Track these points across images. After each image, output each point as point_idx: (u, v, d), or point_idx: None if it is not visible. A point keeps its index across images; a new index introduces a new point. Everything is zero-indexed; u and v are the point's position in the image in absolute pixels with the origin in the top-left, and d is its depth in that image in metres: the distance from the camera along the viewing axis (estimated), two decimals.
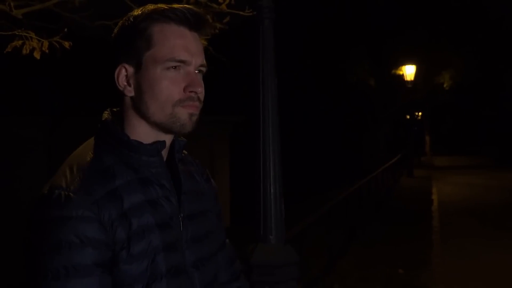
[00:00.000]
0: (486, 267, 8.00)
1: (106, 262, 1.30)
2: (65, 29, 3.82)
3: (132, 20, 1.44)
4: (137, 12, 1.45)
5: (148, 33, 1.42)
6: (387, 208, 14.55)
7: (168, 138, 1.48)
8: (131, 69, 1.44)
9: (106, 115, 1.49)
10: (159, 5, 1.44)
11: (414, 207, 14.58)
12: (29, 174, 6.97)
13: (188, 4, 3.73)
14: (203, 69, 1.48)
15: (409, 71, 21.83)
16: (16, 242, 6.31)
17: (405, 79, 21.98)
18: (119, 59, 1.45)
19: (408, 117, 30.69)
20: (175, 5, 1.45)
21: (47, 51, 3.74)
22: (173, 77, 1.41)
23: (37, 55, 3.70)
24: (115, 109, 1.53)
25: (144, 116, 1.44)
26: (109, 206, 1.32)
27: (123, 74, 1.45)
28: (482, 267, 7.99)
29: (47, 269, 1.24)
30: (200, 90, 1.44)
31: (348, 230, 9.98)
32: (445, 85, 26.96)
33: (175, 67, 1.41)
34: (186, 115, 1.42)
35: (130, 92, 1.45)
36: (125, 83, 1.45)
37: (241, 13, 3.79)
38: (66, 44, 3.79)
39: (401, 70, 23.03)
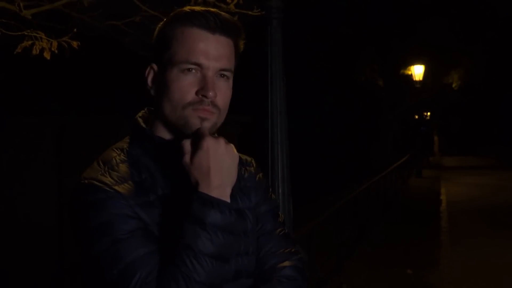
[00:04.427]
0: (495, 267, 7.96)
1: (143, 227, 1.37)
2: (74, 29, 3.84)
3: (161, 22, 1.50)
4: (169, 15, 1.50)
5: (170, 35, 1.45)
6: (395, 208, 14.51)
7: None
8: (157, 70, 1.48)
9: (141, 113, 1.54)
10: (185, 9, 1.47)
11: (422, 207, 14.54)
12: (37, 175, 6.99)
13: (196, 4, 3.75)
14: (227, 73, 1.47)
15: (417, 71, 21.74)
16: (23, 240, 6.30)
17: (414, 79, 21.88)
18: (150, 60, 1.50)
19: (416, 117, 30.56)
20: (197, 8, 1.47)
21: (56, 51, 3.75)
22: (188, 79, 1.42)
23: (47, 55, 3.72)
24: (152, 108, 1.56)
25: (161, 116, 1.47)
26: (137, 195, 1.38)
27: (151, 75, 1.49)
28: (491, 268, 7.96)
29: (91, 250, 1.33)
30: (212, 95, 1.42)
31: (357, 230, 9.96)
32: (453, 85, 26.80)
33: (190, 69, 1.42)
34: (196, 118, 1.42)
35: (154, 91, 1.49)
36: (152, 83, 1.49)
37: (249, 13, 3.79)
38: (74, 44, 3.80)
39: (409, 70, 22.94)
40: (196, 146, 1.37)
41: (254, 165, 1.68)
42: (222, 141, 1.39)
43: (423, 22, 23.53)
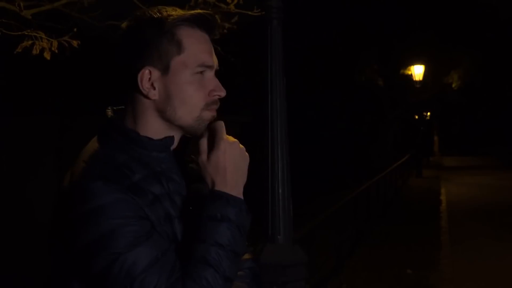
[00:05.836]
0: (495, 268, 7.96)
1: (151, 229, 1.35)
2: (74, 29, 3.83)
3: (158, 23, 1.42)
4: (157, 15, 1.43)
5: (177, 38, 1.43)
6: (395, 208, 14.51)
7: (177, 135, 1.49)
8: (156, 73, 1.43)
9: (110, 112, 1.50)
10: (185, 11, 1.46)
11: (422, 207, 14.53)
12: (37, 175, 6.99)
13: (196, 4, 3.74)
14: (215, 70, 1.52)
15: (417, 71, 21.76)
16: (22, 240, 6.30)
17: (414, 79, 21.90)
18: (141, 62, 1.43)
19: (416, 117, 30.57)
20: (199, 10, 1.47)
21: (56, 51, 3.75)
22: (200, 81, 1.45)
23: (47, 55, 3.72)
24: (115, 108, 1.53)
25: (168, 119, 1.45)
26: (140, 195, 1.35)
27: (147, 77, 1.43)
28: (491, 268, 7.95)
29: (105, 255, 1.28)
30: (224, 94, 1.48)
31: (357, 230, 9.96)
32: (453, 85, 26.80)
33: (202, 72, 1.45)
34: (210, 117, 1.47)
35: (154, 95, 1.44)
36: (149, 86, 1.44)
37: (249, 13, 3.78)
38: (75, 43, 3.80)
39: (409, 70, 22.97)
40: (212, 146, 1.42)
41: None
42: (237, 142, 1.45)
43: (423, 22, 23.52)
